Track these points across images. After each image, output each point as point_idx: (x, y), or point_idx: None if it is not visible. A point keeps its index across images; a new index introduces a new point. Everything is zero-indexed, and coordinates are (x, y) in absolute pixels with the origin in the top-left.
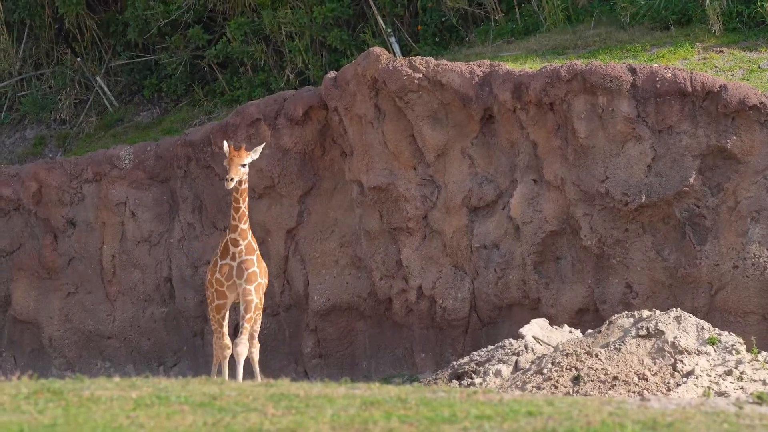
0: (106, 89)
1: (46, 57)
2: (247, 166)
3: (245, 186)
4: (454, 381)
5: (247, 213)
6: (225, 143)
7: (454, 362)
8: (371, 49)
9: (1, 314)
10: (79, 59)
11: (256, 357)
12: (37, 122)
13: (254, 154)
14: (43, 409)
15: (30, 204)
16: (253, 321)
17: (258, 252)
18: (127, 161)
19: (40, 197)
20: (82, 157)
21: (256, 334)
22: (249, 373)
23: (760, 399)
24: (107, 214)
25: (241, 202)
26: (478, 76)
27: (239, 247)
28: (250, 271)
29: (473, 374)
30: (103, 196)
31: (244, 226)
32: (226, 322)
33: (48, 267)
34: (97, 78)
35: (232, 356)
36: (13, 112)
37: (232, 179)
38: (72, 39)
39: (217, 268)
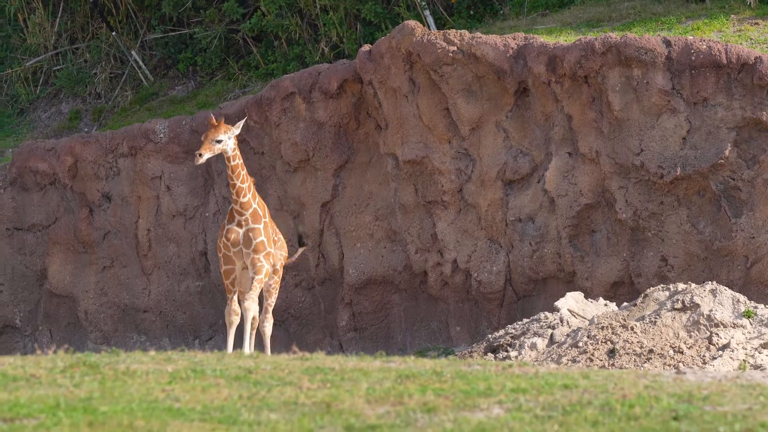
0: (141, 63)
1: (81, 31)
2: (226, 142)
3: (237, 162)
4: (489, 354)
5: (245, 186)
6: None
7: (489, 335)
8: (405, 22)
9: (37, 288)
10: (114, 33)
11: (268, 332)
12: (72, 96)
13: (236, 129)
14: (79, 383)
15: (66, 178)
16: (266, 289)
17: (267, 221)
18: (162, 135)
19: (75, 171)
20: (118, 131)
21: (270, 308)
22: (259, 346)
23: None
24: (142, 188)
25: (235, 178)
26: (512, 49)
27: (244, 216)
28: (258, 240)
29: (508, 347)
30: (138, 170)
31: (244, 199)
32: (236, 289)
33: (84, 241)
34: (132, 52)
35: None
36: (48, 87)
37: (200, 155)
38: (107, 13)
39: (224, 232)
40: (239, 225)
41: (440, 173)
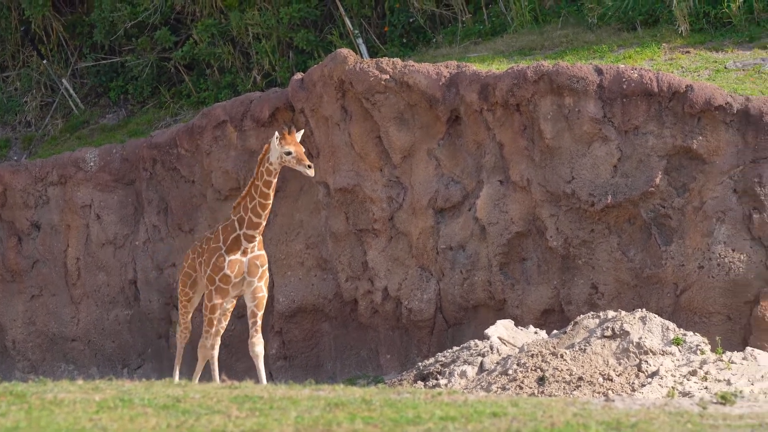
0: (71, 91)
1: (11, 59)
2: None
3: (275, 179)
4: (419, 382)
5: (268, 209)
6: (276, 134)
7: (420, 363)
8: (338, 50)
9: None
10: (45, 61)
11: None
12: (2, 124)
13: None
14: (6, 412)
15: None
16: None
17: None
18: (92, 164)
19: (4, 200)
20: (47, 159)
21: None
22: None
23: (724, 399)
24: (72, 216)
25: (267, 197)
26: (444, 77)
27: (253, 243)
28: (264, 267)
29: (438, 375)
30: (68, 199)
31: (264, 222)
32: (220, 325)
33: (12, 270)
34: (63, 80)
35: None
36: None
37: (311, 166)
38: (38, 41)
39: (225, 264)
40: (244, 253)
41: (371, 201)
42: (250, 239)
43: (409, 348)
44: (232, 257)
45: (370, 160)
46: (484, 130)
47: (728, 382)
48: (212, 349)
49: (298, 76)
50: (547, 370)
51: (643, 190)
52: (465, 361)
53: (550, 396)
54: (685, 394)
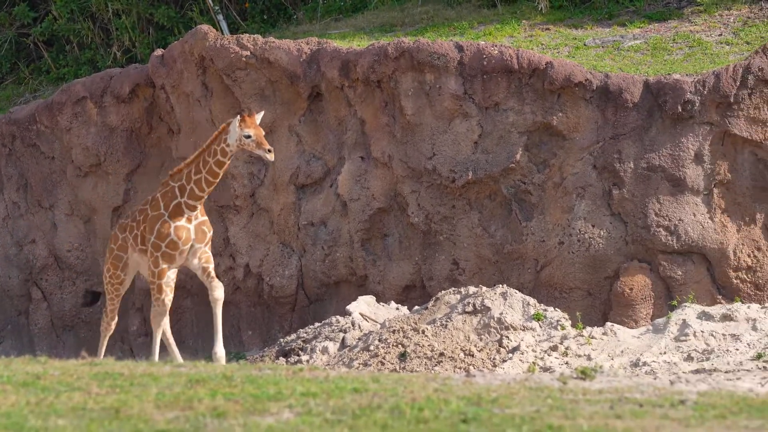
0: None
1: None
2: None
3: (229, 160)
4: (280, 358)
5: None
6: (237, 117)
7: (281, 339)
8: (198, 26)
9: None
10: None
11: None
12: None
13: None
14: None
15: None
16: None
17: None
18: None
19: None
20: None
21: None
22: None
23: (584, 374)
24: None
25: (216, 173)
26: (305, 53)
27: (195, 212)
28: (210, 233)
29: (300, 351)
30: None
31: (205, 194)
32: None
33: None
34: None
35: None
36: None
37: (270, 150)
38: None
39: (171, 230)
40: (188, 220)
41: (232, 177)
42: (192, 208)
43: (270, 324)
44: (178, 223)
45: None
46: (346, 107)
47: (588, 357)
48: (164, 315)
49: (159, 52)
50: (409, 345)
51: (504, 166)
52: (327, 338)
53: (411, 372)
54: (545, 369)
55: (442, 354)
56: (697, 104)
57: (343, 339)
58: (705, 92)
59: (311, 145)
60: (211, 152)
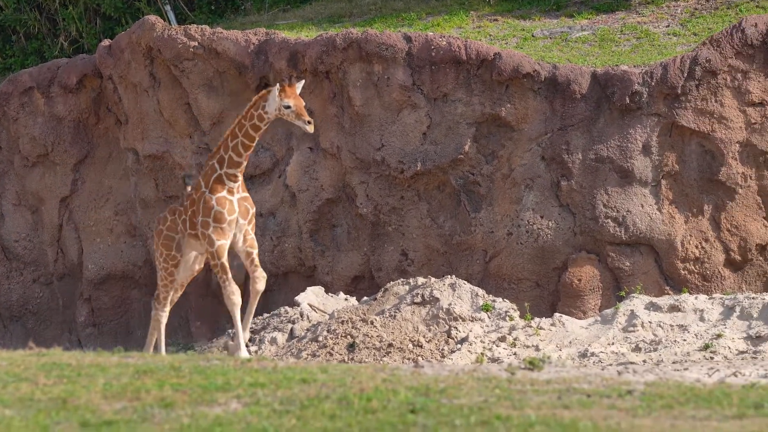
0: None
1: None
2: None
3: (265, 127)
4: None
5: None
6: (278, 85)
7: (230, 331)
8: (146, 17)
9: None
10: None
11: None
12: None
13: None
14: None
15: None
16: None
17: None
18: None
19: None
20: None
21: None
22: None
23: (532, 365)
24: None
25: (252, 139)
26: (253, 44)
27: (237, 183)
28: (253, 210)
29: (249, 342)
30: None
31: (246, 162)
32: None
33: None
34: None
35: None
36: None
37: (310, 122)
38: None
39: (213, 203)
40: (230, 192)
41: (181, 168)
42: (233, 178)
43: (219, 315)
44: (219, 195)
45: (179, 126)
46: None
47: (536, 348)
48: (237, 294)
49: (106, 42)
50: (358, 336)
51: (453, 158)
52: (275, 328)
53: (360, 362)
54: (494, 359)
55: (390, 345)
56: (645, 96)
57: (292, 330)
58: (653, 84)
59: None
60: (248, 116)
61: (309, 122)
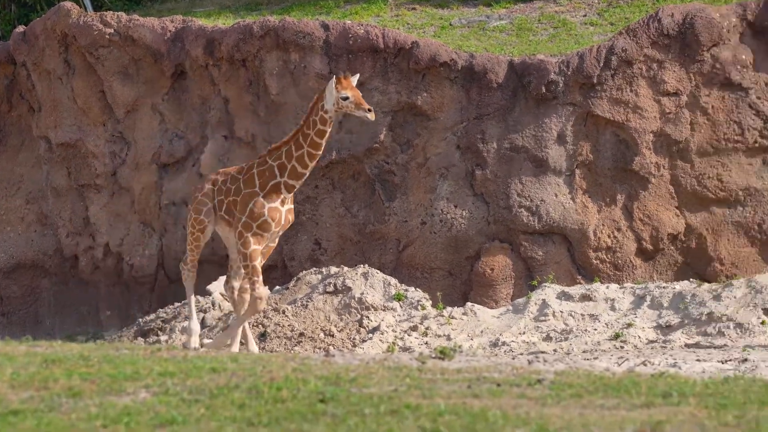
0: None
1: None
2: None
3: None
4: (139, 338)
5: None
6: (333, 79)
7: (140, 319)
8: (61, 3)
9: None
10: None
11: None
12: None
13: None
14: None
15: None
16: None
17: None
18: None
19: None
20: None
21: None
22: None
23: (443, 354)
24: None
25: (319, 145)
26: (170, 31)
27: (292, 194)
28: (292, 221)
29: (159, 331)
30: None
31: (308, 173)
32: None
33: None
34: None
35: None
36: None
37: (371, 110)
38: None
39: (265, 211)
40: (282, 203)
41: (94, 156)
42: (291, 189)
43: (130, 304)
44: (272, 204)
45: (93, 114)
46: (210, 86)
47: (448, 338)
48: (263, 300)
49: (20, 29)
50: (269, 325)
51: (368, 147)
52: (187, 317)
53: (271, 352)
54: (405, 349)
55: (302, 334)
56: (561, 85)
57: (203, 319)
58: (569, 73)
59: (174, 123)
60: (310, 124)
61: (369, 110)
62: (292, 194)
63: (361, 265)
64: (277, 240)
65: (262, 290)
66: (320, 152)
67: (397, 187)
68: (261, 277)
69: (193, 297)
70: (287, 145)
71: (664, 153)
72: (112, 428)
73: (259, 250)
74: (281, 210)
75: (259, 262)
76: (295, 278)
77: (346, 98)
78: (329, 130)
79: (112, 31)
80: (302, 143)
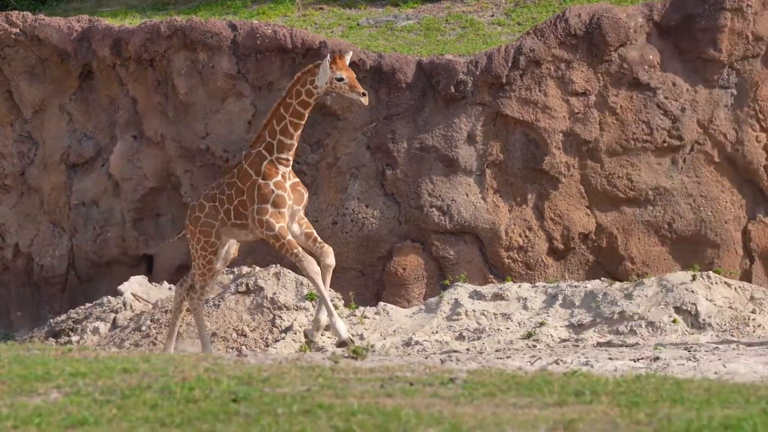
0: None
1: None
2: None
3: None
4: (50, 339)
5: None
6: (328, 57)
7: (51, 320)
8: None
9: None
10: None
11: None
12: None
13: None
14: None
15: None
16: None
17: None
18: None
19: None
20: None
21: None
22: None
23: (355, 353)
24: None
25: (306, 118)
26: (76, 31)
27: (288, 169)
28: (306, 194)
29: (70, 332)
30: None
31: (296, 144)
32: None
33: None
34: None
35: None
36: None
37: (365, 94)
38: None
39: (272, 187)
40: (283, 178)
41: (2, 156)
42: (285, 163)
43: (40, 305)
44: (275, 179)
45: (0, 114)
46: (118, 86)
47: (361, 337)
48: (313, 264)
49: None
50: (181, 326)
51: None
52: (98, 318)
53: (183, 352)
54: (318, 349)
55: (214, 334)
56: (470, 85)
57: (115, 319)
58: (477, 73)
59: (82, 124)
60: (293, 94)
61: (363, 94)
62: (290, 169)
63: (274, 265)
64: (304, 217)
65: (307, 259)
66: (303, 122)
67: (308, 186)
68: (300, 248)
69: (206, 328)
70: (267, 126)
71: (573, 153)
72: (23, 429)
73: (285, 226)
74: (285, 183)
75: (291, 236)
76: None
77: (341, 79)
78: (313, 104)
79: (18, 30)
80: (284, 114)
